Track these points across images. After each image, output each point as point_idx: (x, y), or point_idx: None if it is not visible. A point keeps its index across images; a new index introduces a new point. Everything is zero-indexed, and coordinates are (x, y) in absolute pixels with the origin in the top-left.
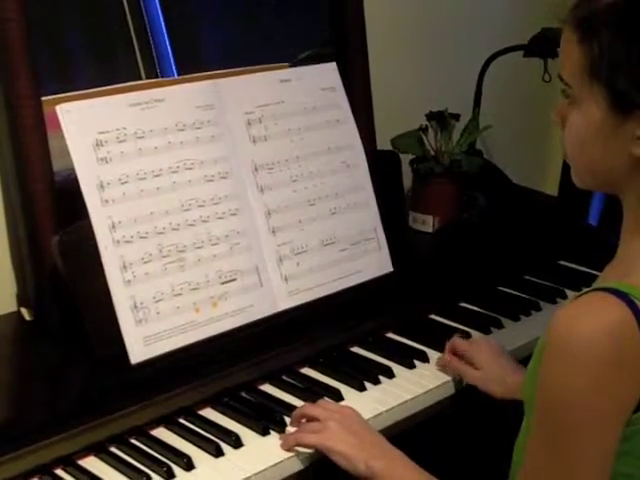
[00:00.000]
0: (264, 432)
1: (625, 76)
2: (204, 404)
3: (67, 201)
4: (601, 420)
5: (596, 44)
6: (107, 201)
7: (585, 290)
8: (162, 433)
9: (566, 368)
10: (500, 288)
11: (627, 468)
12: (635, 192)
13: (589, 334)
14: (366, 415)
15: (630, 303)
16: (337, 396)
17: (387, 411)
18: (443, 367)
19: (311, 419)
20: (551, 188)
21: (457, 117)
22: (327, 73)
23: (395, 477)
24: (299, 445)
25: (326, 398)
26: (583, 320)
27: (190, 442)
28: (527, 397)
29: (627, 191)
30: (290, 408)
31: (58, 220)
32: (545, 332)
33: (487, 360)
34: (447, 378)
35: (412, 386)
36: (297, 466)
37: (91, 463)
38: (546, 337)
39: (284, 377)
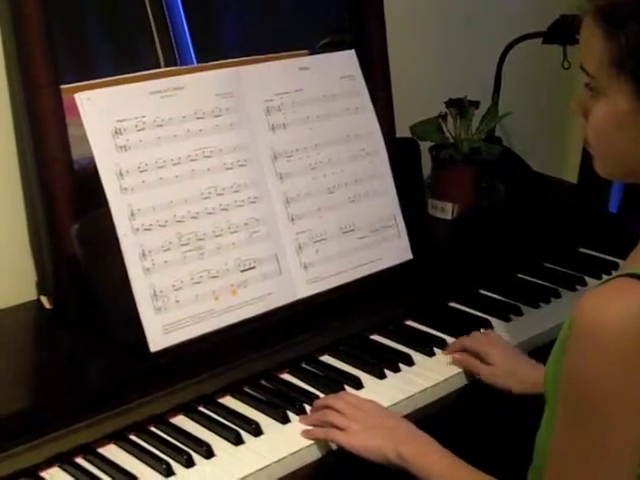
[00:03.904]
0: (284, 420)
1: None
2: (224, 392)
3: (86, 189)
4: (630, 404)
5: (623, 36)
6: (126, 189)
7: (609, 277)
8: (182, 421)
9: (594, 355)
10: (520, 275)
11: None
12: None
13: (618, 320)
14: (386, 403)
15: None
16: (357, 384)
17: (407, 399)
18: (455, 360)
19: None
20: (571, 175)
21: (476, 104)
22: (346, 61)
23: (426, 461)
24: (327, 440)
25: (346, 386)
26: (611, 306)
27: (210, 430)
28: (550, 386)
29: None
30: (310, 396)
31: (77, 208)
32: (570, 319)
33: (500, 356)
34: None
35: (432, 374)
36: (317, 454)
37: (111, 451)
38: (572, 324)
39: (304, 365)
